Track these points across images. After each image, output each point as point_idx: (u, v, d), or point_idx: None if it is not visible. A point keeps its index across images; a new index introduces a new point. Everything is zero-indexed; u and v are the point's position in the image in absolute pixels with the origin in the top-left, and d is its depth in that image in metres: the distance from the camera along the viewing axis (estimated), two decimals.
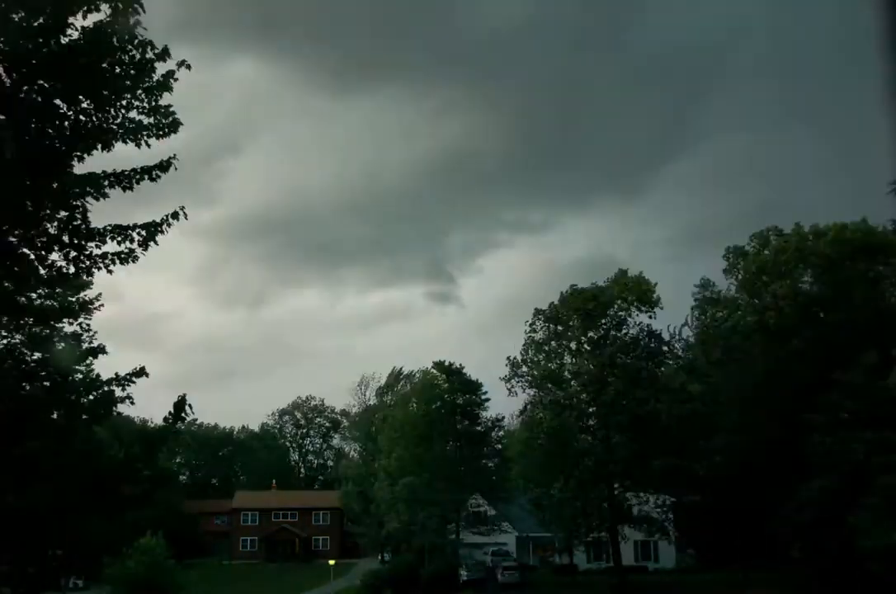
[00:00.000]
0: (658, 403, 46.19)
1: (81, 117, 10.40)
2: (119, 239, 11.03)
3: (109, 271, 11.27)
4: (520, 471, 55.65)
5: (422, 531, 55.92)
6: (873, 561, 33.64)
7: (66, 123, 10.35)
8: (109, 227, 11.03)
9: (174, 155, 11.06)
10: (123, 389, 12.68)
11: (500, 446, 60.50)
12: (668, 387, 48.03)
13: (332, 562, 65.44)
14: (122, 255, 11.18)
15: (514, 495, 58.38)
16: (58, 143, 10.42)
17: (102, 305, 14.68)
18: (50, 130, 10.33)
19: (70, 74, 10.06)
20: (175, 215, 11.16)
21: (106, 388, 12.80)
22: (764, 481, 41.54)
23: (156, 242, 11.17)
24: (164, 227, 11.16)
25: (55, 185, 10.60)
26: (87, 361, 13.84)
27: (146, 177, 11.03)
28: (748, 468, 42.03)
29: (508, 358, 51.97)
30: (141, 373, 12.62)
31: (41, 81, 10.07)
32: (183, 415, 12.53)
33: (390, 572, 56.23)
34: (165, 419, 12.67)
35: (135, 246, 11.14)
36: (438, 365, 60.08)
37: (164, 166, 11.06)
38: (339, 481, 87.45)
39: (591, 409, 50.31)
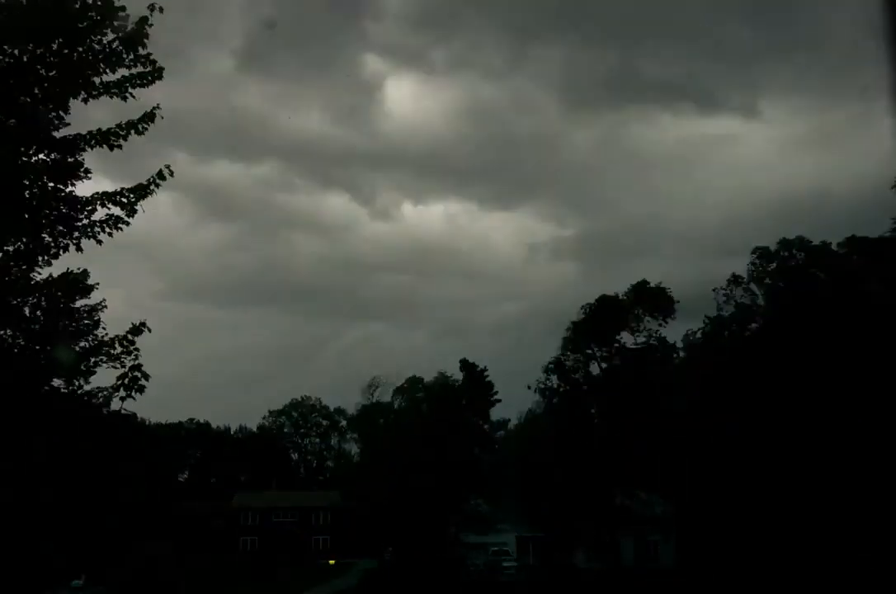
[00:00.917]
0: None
1: (56, 71, 10.06)
2: (109, 205, 10.59)
3: (99, 241, 10.75)
4: (520, 470, 55.79)
5: (421, 531, 55.98)
6: None
7: (45, 84, 10.03)
8: (97, 195, 10.62)
9: (157, 105, 10.66)
10: (130, 353, 11.16)
11: (497, 446, 60.74)
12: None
13: (331, 562, 65.47)
14: (111, 222, 10.73)
15: (513, 495, 58.46)
16: (38, 105, 10.12)
17: (105, 306, 14.52)
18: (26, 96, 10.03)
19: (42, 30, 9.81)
20: (161, 175, 10.77)
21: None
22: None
23: (142, 208, 10.72)
24: (153, 188, 10.74)
25: (39, 154, 10.24)
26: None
27: (132, 131, 10.56)
28: None
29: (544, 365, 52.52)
30: (139, 330, 11.11)
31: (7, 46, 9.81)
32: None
33: (390, 572, 56.23)
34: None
35: (120, 211, 10.68)
36: (463, 362, 60.47)
37: (150, 117, 10.62)
38: (338, 481, 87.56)
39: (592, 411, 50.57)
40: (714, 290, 50.39)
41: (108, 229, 10.74)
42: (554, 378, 51.92)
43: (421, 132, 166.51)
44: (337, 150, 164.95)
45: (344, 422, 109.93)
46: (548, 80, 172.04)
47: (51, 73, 10.07)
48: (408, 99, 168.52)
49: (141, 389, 10.77)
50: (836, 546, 38.79)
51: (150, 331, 11.05)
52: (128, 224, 10.81)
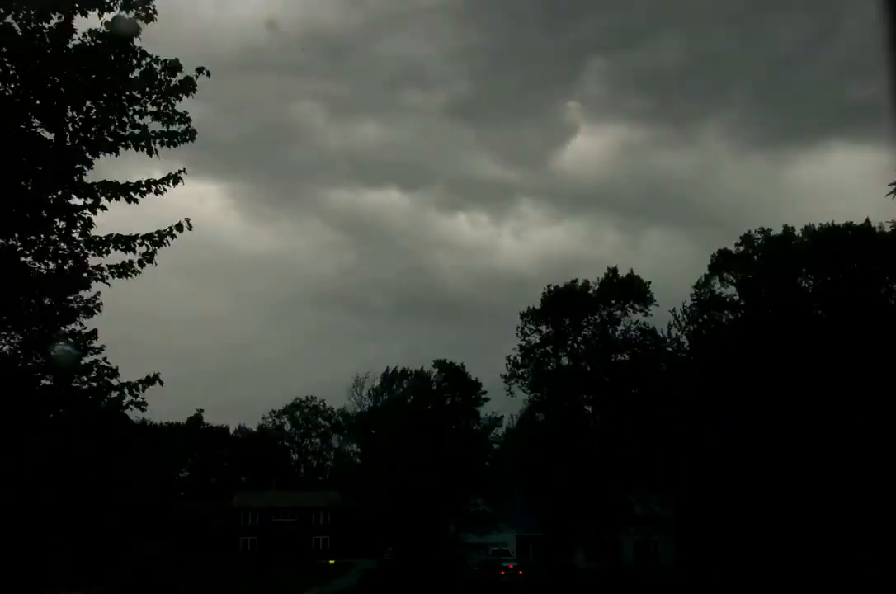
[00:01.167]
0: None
1: (85, 123, 10.20)
2: (122, 249, 10.60)
3: (108, 284, 10.87)
4: (518, 469, 55.81)
5: (421, 531, 56.00)
6: None
7: (72, 127, 10.15)
8: (112, 237, 10.62)
9: (183, 169, 10.71)
10: (136, 396, 11.51)
11: (496, 446, 60.74)
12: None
13: (331, 561, 65.50)
14: (121, 269, 10.79)
15: (513, 495, 58.43)
16: (62, 150, 10.19)
17: (101, 303, 14.57)
18: (52, 136, 10.12)
19: (75, 78, 9.91)
20: (179, 227, 10.72)
21: (114, 394, 11.86)
22: None
23: (154, 261, 10.74)
24: (168, 238, 10.70)
25: (57, 194, 10.35)
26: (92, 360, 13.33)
27: (152, 190, 10.64)
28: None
29: (508, 358, 52.39)
30: (153, 380, 11.38)
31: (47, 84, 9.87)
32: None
33: (390, 572, 56.23)
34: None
35: (135, 257, 10.70)
36: (439, 363, 60.36)
37: (174, 180, 10.69)
38: (338, 481, 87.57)
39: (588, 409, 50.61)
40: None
41: (118, 275, 10.80)
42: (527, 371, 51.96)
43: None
44: None
45: (344, 421, 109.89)
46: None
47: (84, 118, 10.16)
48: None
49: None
50: (836, 545, 38.76)
51: (161, 383, 11.27)
52: (138, 273, 10.79)
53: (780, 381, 42.75)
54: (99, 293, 14.43)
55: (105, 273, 10.81)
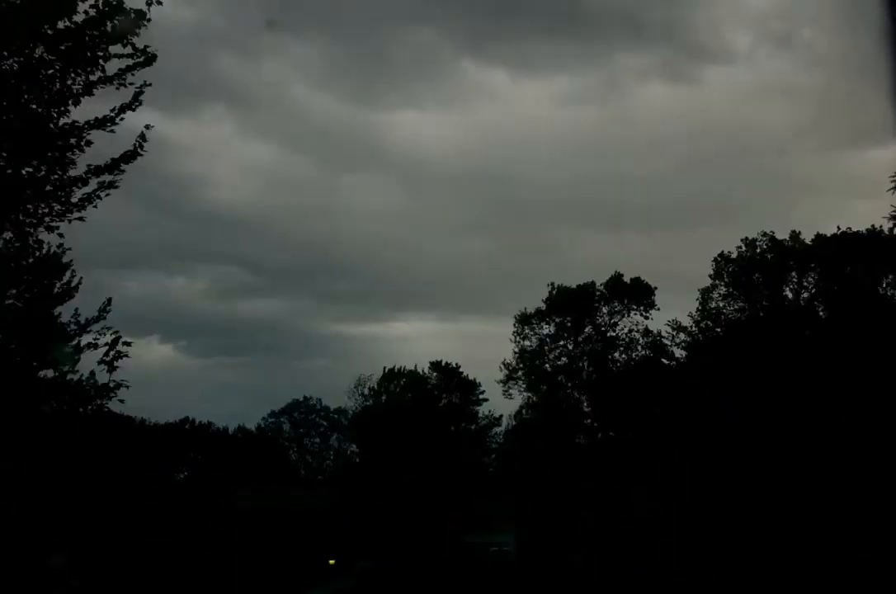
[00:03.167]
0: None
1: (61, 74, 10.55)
2: (101, 176, 11.09)
3: (94, 206, 11.26)
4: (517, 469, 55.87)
5: (421, 531, 56.02)
6: None
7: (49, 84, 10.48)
8: (90, 168, 11.09)
9: (146, 82, 11.21)
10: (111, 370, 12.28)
11: (495, 445, 60.76)
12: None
13: (331, 561, 65.50)
14: (104, 186, 11.21)
15: (513, 494, 58.45)
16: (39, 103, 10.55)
17: (81, 283, 14.60)
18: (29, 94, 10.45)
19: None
20: (143, 136, 11.26)
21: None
22: None
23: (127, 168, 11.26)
24: (140, 150, 11.19)
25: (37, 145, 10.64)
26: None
27: (126, 111, 11.17)
28: None
29: (503, 362, 52.58)
30: (119, 352, 12.25)
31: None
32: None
33: (389, 572, 56.25)
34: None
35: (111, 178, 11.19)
36: (435, 365, 60.39)
37: (137, 96, 11.16)
38: (338, 481, 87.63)
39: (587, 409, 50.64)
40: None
41: (102, 196, 11.25)
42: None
43: None
44: None
45: (345, 421, 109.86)
46: None
47: (53, 69, 10.53)
48: None
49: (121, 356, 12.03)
50: (836, 545, 38.77)
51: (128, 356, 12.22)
52: (117, 187, 11.21)
53: (779, 383, 42.82)
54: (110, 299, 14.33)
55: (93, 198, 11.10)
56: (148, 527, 60.84)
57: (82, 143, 10.87)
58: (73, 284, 14.30)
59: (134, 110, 11.20)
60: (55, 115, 10.70)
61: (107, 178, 10.99)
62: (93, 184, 11.03)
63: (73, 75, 10.60)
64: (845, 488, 38.59)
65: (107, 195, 11.13)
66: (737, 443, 42.60)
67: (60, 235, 11.20)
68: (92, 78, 10.84)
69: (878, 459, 37.58)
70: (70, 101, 10.71)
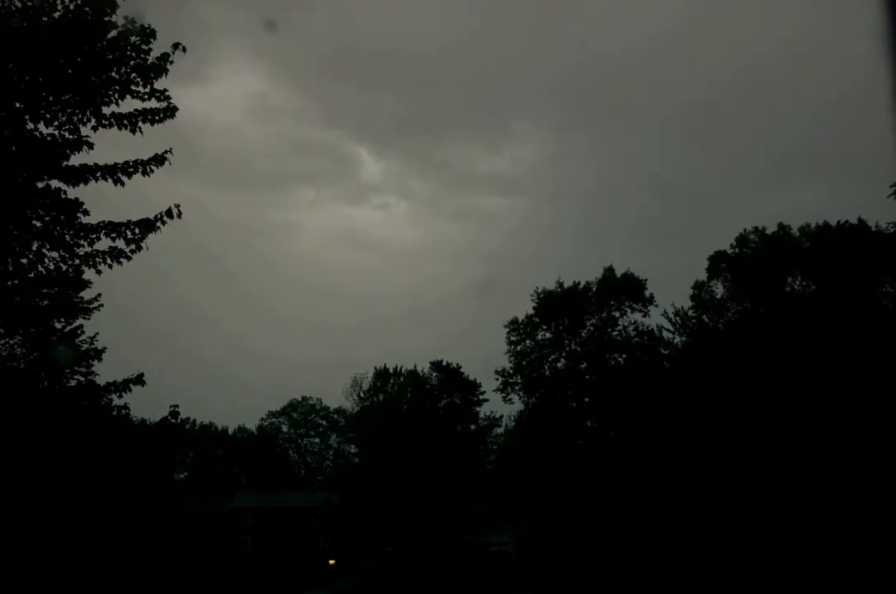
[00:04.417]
0: None
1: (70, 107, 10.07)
2: (113, 236, 10.52)
3: (98, 271, 10.81)
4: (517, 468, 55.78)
5: (421, 531, 55.94)
6: None
7: (58, 112, 10.04)
8: (102, 224, 10.57)
9: (170, 149, 10.59)
10: (120, 396, 11.95)
11: (495, 446, 60.69)
12: None
13: (331, 561, 65.38)
14: (114, 254, 10.70)
15: (513, 494, 58.36)
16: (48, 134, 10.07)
17: (102, 305, 14.60)
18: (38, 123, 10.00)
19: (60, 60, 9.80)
20: (169, 213, 10.59)
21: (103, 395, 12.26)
22: None
23: (146, 245, 10.65)
24: (159, 224, 10.60)
25: (45, 181, 10.23)
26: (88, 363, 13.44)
27: (139, 170, 10.53)
28: None
29: (497, 370, 52.56)
30: (138, 380, 11.81)
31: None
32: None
33: (389, 572, 56.17)
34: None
35: (125, 245, 10.64)
36: (435, 365, 60.28)
37: (160, 160, 10.56)
38: (338, 481, 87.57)
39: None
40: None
41: (109, 261, 10.69)
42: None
43: None
44: None
45: (343, 421, 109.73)
46: None
47: (64, 98, 10.01)
48: None
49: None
50: (836, 545, 38.71)
51: (144, 385, 11.76)
52: (129, 259, 10.73)
53: (776, 382, 42.75)
54: (100, 294, 14.41)
55: (98, 259, 10.69)
56: (148, 528, 60.71)
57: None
58: None
59: (149, 173, 10.50)
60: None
61: None
62: None
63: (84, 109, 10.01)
64: (844, 485, 38.53)
65: None
66: (736, 442, 42.52)
67: None
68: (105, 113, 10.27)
69: (878, 459, 37.52)
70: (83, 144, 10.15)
